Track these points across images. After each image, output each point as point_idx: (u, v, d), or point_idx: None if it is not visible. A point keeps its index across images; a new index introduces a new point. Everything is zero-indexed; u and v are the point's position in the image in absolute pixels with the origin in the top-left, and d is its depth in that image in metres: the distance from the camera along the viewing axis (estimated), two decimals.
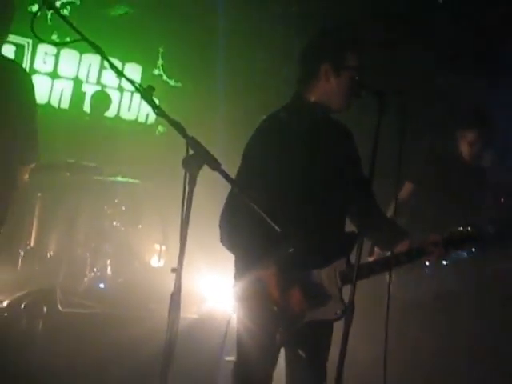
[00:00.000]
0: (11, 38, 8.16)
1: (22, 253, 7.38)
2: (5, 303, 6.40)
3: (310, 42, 3.69)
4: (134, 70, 9.67)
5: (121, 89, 9.75)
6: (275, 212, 2.77)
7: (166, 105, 2.85)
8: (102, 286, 7.56)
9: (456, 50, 8.64)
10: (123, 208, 7.95)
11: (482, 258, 4.06)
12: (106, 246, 7.77)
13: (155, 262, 8.52)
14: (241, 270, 3.44)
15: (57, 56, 9.21)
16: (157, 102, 2.69)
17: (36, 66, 9.06)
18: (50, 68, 9.20)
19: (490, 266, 6.38)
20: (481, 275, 6.54)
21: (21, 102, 5.19)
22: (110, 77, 9.55)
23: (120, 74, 2.78)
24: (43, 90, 9.00)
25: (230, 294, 3.55)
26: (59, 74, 9.28)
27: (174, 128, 2.62)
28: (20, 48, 8.76)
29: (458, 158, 6.21)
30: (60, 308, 6.52)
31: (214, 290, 6.55)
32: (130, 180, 8.05)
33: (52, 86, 9.23)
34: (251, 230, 3.24)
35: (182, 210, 2.57)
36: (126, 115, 9.90)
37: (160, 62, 9.86)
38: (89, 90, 9.42)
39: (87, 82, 9.51)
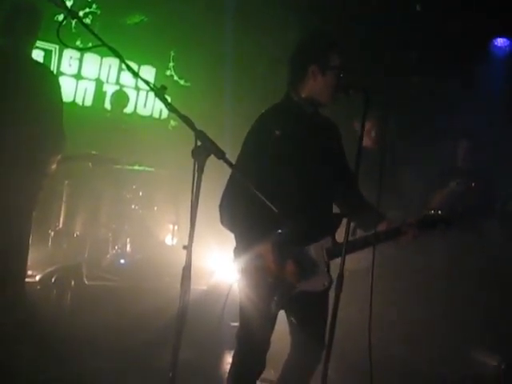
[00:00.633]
0: (40, 44, 8.19)
1: (52, 233, 7.41)
2: (37, 277, 6.43)
3: (297, 47, 3.69)
4: (148, 72, 9.65)
5: (137, 88, 9.74)
6: (269, 195, 2.79)
7: (177, 102, 2.84)
8: (122, 261, 7.59)
9: (431, 51, 8.61)
10: (140, 193, 7.97)
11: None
12: (125, 227, 7.78)
13: (169, 240, 8.53)
14: (241, 246, 3.45)
15: (80, 59, 9.19)
16: (169, 99, 2.69)
17: (62, 68, 9.04)
18: (74, 70, 9.18)
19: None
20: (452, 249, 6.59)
21: (49, 100, 5.21)
22: (127, 77, 9.53)
23: (136, 75, 2.78)
24: (69, 89, 8.99)
25: (231, 267, 3.56)
26: (83, 75, 9.26)
27: (184, 122, 2.63)
28: (48, 53, 8.74)
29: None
30: (86, 281, 6.55)
31: (221, 264, 6.57)
32: (146, 168, 8.05)
33: (76, 86, 9.22)
34: (250, 210, 3.25)
35: (192, 194, 2.58)
36: (142, 111, 9.90)
37: (171, 64, 9.83)
38: (109, 89, 9.41)
39: (107, 82, 9.49)
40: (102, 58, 9.31)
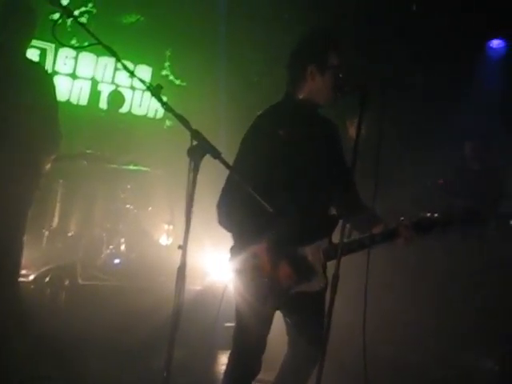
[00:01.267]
0: (35, 42, 8.17)
1: (46, 232, 7.37)
2: (31, 277, 6.41)
3: (296, 47, 3.68)
4: (144, 71, 9.63)
5: (133, 88, 9.72)
6: (267, 195, 2.79)
7: (172, 102, 2.84)
8: (116, 261, 7.57)
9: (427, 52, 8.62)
10: (135, 193, 7.95)
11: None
12: (120, 226, 7.77)
13: (164, 239, 8.52)
14: (237, 245, 3.46)
15: (76, 59, 9.17)
16: (164, 99, 2.68)
17: (57, 67, 9.02)
18: (69, 69, 9.16)
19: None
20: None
21: (44, 99, 5.19)
22: (123, 77, 9.52)
23: (132, 74, 2.78)
24: (64, 88, 8.97)
25: (226, 267, 3.56)
26: (78, 74, 9.24)
27: (180, 122, 2.63)
28: (43, 52, 8.73)
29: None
30: (80, 281, 6.53)
31: (216, 264, 6.56)
32: (141, 168, 8.04)
33: (72, 85, 9.20)
34: (247, 210, 3.25)
35: (187, 194, 2.58)
36: (138, 111, 9.88)
37: (167, 63, 9.82)
38: (104, 88, 9.40)
39: (103, 81, 9.47)
40: (97, 58, 9.29)
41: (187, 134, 2.61)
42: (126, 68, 2.74)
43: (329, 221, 3.59)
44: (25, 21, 5.17)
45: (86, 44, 2.91)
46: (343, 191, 3.59)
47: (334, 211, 3.75)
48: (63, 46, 8.19)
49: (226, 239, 3.55)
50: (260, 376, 3.60)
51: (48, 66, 8.71)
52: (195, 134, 2.60)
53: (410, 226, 3.62)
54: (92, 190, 7.58)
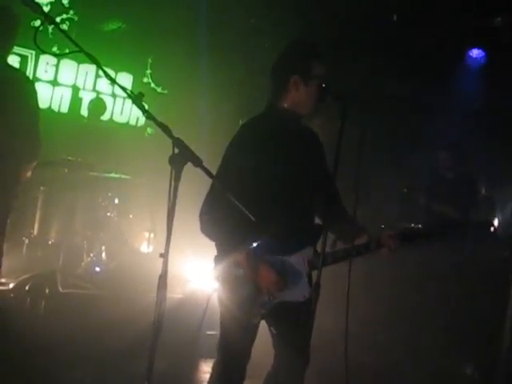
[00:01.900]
0: (16, 49, 8.12)
1: (27, 240, 7.32)
2: (11, 285, 6.36)
3: (279, 57, 3.67)
4: (125, 79, 9.62)
5: (114, 95, 9.70)
6: (250, 205, 2.78)
7: (153, 109, 2.82)
8: (97, 269, 7.53)
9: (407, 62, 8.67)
10: (116, 200, 7.92)
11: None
12: (100, 234, 7.73)
13: (145, 248, 8.49)
14: (221, 254, 3.44)
15: (57, 66, 9.14)
16: (146, 106, 2.67)
17: (38, 74, 8.99)
18: (50, 76, 9.13)
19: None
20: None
21: (25, 106, 5.17)
22: (104, 84, 9.51)
23: (113, 81, 2.76)
24: (45, 96, 8.93)
25: (209, 276, 3.55)
26: (59, 81, 9.21)
27: (162, 130, 2.61)
28: (24, 58, 8.70)
29: None
30: (60, 289, 6.49)
31: (197, 273, 6.55)
32: (122, 176, 8.01)
33: (53, 92, 9.17)
34: (230, 219, 3.24)
35: (169, 202, 2.57)
36: (119, 118, 9.86)
37: (148, 71, 9.82)
38: (85, 96, 9.37)
39: (84, 89, 9.45)
40: (78, 65, 9.27)
41: (169, 141, 2.60)
42: (107, 75, 2.72)
43: (312, 230, 3.58)
44: (6, 28, 5.15)
45: (67, 51, 2.89)
46: (327, 201, 3.58)
47: (318, 221, 3.74)
48: (44, 53, 8.16)
49: (207, 247, 3.54)
50: None
51: (29, 73, 8.67)
52: (177, 142, 2.58)
53: (394, 237, 3.62)
54: (73, 198, 7.53)
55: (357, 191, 3.29)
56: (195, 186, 3.71)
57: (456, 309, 6.62)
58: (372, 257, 3.66)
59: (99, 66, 2.69)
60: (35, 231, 7.45)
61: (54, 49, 8.32)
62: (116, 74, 9.48)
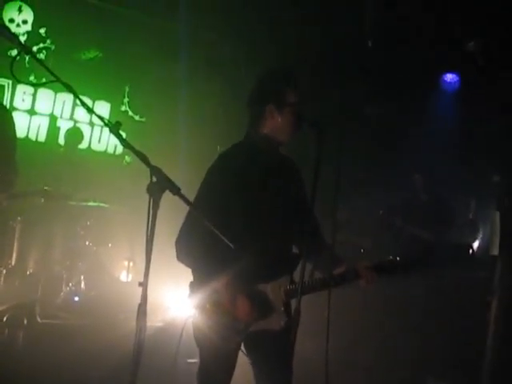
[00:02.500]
0: None
1: (4, 271, 7.25)
2: None
3: (254, 87, 3.70)
4: (103, 107, 9.63)
5: (92, 124, 9.70)
6: (227, 233, 2.78)
7: (131, 137, 2.83)
8: (76, 299, 7.48)
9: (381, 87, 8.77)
10: (94, 229, 7.89)
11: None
12: (79, 264, 7.69)
13: (124, 276, 8.46)
14: (197, 281, 3.44)
15: (34, 95, 9.14)
16: (124, 135, 2.68)
17: (15, 103, 8.97)
18: (28, 105, 9.12)
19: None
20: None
21: (2, 135, 5.15)
22: (82, 113, 9.50)
23: (90, 110, 2.77)
24: (22, 125, 8.91)
25: (186, 302, 3.53)
26: (36, 110, 9.20)
27: (139, 158, 2.62)
28: (1, 88, 8.69)
29: None
30: (39, 319, 6.44)
31: (177, 301, 6.52)
32: (101, 204, 7.99)
33: (30, 121, 9.16)
34: (207, 247, 3.25)
35: (147, 230, 2.57)
36: (97, 147, 9.84)
37: (126, 99, 9.84)
38: (63, 124, 9.36)
39: (61, 117, 9.44)
40: (55, 94, 9.27)
41: (146, 170, 2.61)
42: (83, 104, 2.73)
43: (290, 259, 3.58)
44: None
45: (44, 81, 2.89)
46: (305, 230, 3.58)
47: (295, 250, 3.74)
48: (21, 82, 8.15)
49: (187, 275, 3.53)
50: None
51: (6, 102, 8.65)
52: (154, 170, 2.59)
53: (372, 268, 3.63)
54: (50, 227, 7.50)
55: (335, 219, 3.31)
56: (174, 214, 3.71)
57: (436, 332, 6.64)
58: (348, 287, 3.65)
59: (76, 96, 2.69)
60: (13, 261, 7.39)
61: (31, 78, 8.33)
62: (93, 102, 9.49)
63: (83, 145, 9.24)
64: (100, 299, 7.52)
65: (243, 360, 3.55)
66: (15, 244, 7.42)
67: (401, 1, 8.20)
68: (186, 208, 3.05)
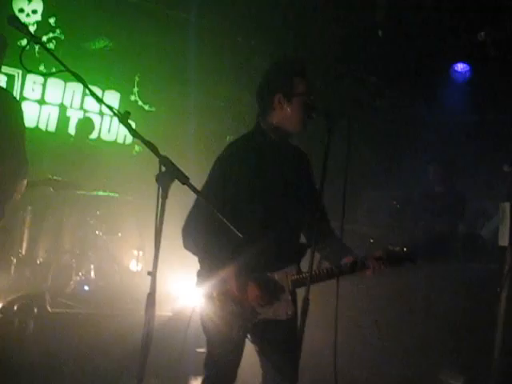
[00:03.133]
0: (3, 69, 8.11)
1: (15, 260, 7.30)
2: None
3: (263, 78, 3.70)
4: (112, 96, 9.63)
5: (101, 113, 9.71)
6: (235, 222, 2.79)
7: (141, 127, 2.85)
8: (86, 288, 7.51)
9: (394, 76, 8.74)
10: (104, 219, 7.92)
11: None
12: (89, 253, 7.72)
13: (133, 266, 8.48)
14: (204, 270, 3.45)
15: (44, 84, 9.15)
16: (133, 125, 2.69)
17: (25, 93, 8.99)
18: (37, 95, 9.14)
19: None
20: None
21: (10, 126, 5.16)
22: (91, 102, 9.51)
23: (99, 100, 2.78)
24: (32, 115, 8.94)
25: (194, 291, 3.54)
26: (46, 100, 9.22)
27: (148, 148, 2.63)
28: (11, 78, 8.70)
29: None
30: (49, 309, 6.46)
31: (186, 290, 6.53)
32: (110, 194, 8.01)
33: (40, 111, 9.18)
34: (214, 235, 3.27)
35: (156, 220, 2.58)
36: (106, 137, 9.86)
37: (136, 89, 9.83)
38: (73, 114, 9.39)
39: (71, 107, 9.46)
40: (65, 83, 9.28)
41: (156, 159, 2.61)
42: (93, 95, 2.74)
43: (297, 249, 3.60)
44: None
45: (54, 70, 2.90)
46: (313, 220, 3.58)
47: (303, 239, 3.75)
48: (31, 72, 8.17)
49: (196, 264, 3.54)
50: None
51: (16, 92, 8.67)
52: (163, 160, 2.60)
53: (379, 259, 3.62)
54: (60, 217, 7.53)
55: (343, 208, 3.31)
56: (183, 203, 3.71)
57: (446, 322, 6.63)
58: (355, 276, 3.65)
59: (85, 86, 2.70)
60: (23, 251, 7.43)
61: (41, 67, 8.34)
62: (103, 92, 9.50)
63: (93, 135, 9.26)
64: (109, 288, 7.54)
65: (250, 348, 3.56)
66: (25, 233, 7.46)
67: None
68: (195, 197, 3.06)
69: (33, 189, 6.75)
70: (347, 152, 3.30)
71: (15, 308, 6.27)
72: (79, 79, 2.68)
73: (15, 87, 8.79)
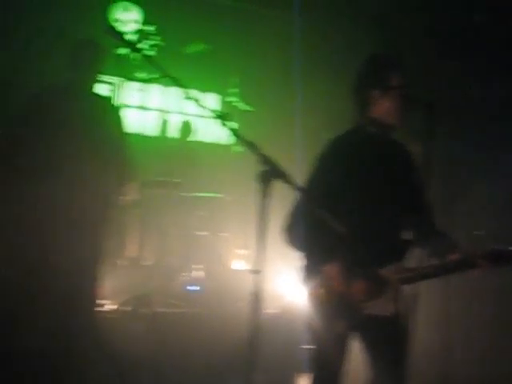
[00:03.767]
0: (103, 77, 8.40)
1: (124, 262, 7.52)
2: (114, 307, 6.53)
3: (358, 73, 3.71)
4: (212, 98, 9.78)
5: (201, 116, 9.85)
6: (337, 218, 2.79)
7: (241, 128, 2.89)
8: (192, 288, 7.63)
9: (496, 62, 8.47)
10: (208, 219, 8.03)
11: None
12: (194, 253, 7.84)
13: (239, 265, 8.56)
14: (309, 266, 3.47)
15: (144, 91, 9.38)
16: (233, 125, 2.73)
17: (126, 100, 9.24)
18: (138, 101, 9.38)
19: None
20: None
21: (112, 133, 5.34)
22: (190, 106, 9.67)
23: (199, 104, 2.83)
24: (134, 120, 9.18)
25: (299, 287, 3.57)
26: (147, 106, 9.45)
27: (249, 148, 2.66)
28: (111, 86, 8.95)
29: None
30: (158, 309, 6.61)
31: (293, 287, 6.56)
32: (213, 194, 8.13)
33: (141, 116, 9.42)
34: (317, 232, 3.28)
35: (260, 219, 2.61)
36: (206, 138, 10.01)
37: (235, 90, 9.92)
38: (173, 118, 9.58)
39: (171, 111, 9.66)
40: (165, 88, 9.48)
41: (256, 159, 2.65)
42: (193, 98, 2.80)
43: (401, 245, 3.57)
44: (93, 59, 5.36)
45: (154, 76, 2.99)
46: (417, 215, 3.54)
47: (408, 236, 3.70)
48: (130, 79, 8.39)
49: (299, 261, 3.56)
50: None
51: (116, 99, 8.92)
52: (264, 159, 2.63)
53: (488, 257, 3.52)
54: (165, 219, 7.70)
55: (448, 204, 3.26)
56: (286, 202, 3.74)
57: None
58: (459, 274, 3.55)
59: (185, 90, 2.76)
60: (132, 253, 7.64)
61: (140, 74, 8.55)
62: (202, 94, 9.64)
63: (193, 137, 9.42)
64: (215, 288, 7.63)
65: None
66: (133, 236, 7.66)
67: None
68: (296, 195, 3.08)
69: (143, 191, 6.96)
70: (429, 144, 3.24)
71: (128, 309, 6.46)
72: (178, 84, 2.75)
73: (116, 94, 9.04)
